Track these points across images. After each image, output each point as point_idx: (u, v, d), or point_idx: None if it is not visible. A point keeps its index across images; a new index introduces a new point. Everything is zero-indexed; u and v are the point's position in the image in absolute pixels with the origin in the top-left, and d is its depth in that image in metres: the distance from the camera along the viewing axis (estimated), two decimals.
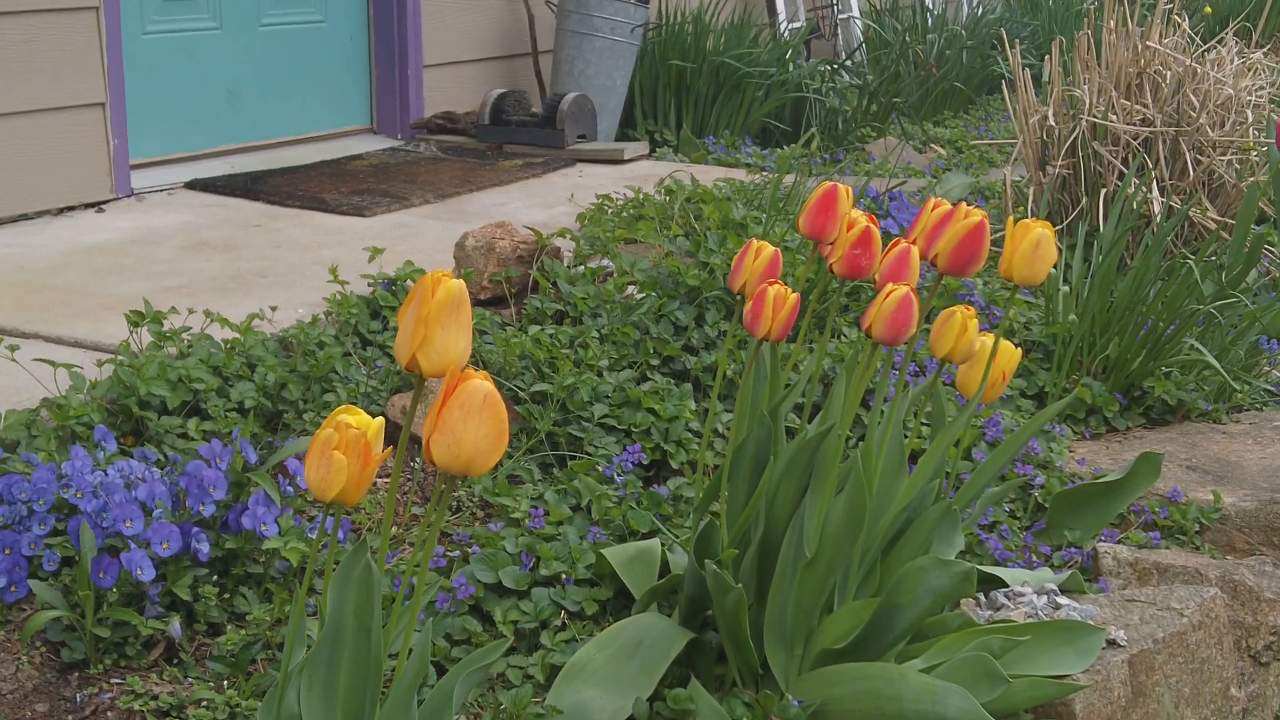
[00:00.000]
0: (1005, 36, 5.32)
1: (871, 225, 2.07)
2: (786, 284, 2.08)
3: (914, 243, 2.10)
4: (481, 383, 1.46)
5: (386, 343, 3.01)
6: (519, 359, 2.86)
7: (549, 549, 2.32)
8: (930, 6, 7.79)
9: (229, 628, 2.14)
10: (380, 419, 1.53)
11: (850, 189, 2.17)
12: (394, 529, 2.51)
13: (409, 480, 2.66)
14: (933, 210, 2.13)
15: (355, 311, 3.05)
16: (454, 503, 2.56)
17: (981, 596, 2.38)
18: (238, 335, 2.83)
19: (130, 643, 2.08)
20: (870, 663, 2.10)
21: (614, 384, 2.84)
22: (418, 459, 2.70)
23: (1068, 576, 2.48)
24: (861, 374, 2.10)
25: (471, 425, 1.47)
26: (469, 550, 2.34)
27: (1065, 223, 4.25)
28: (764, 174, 4.71)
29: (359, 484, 1.51)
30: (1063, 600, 2.37)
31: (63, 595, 2.08)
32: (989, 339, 2.25)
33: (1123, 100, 4.22)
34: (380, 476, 2.72)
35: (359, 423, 1.51)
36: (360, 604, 1.62)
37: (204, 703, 1.99)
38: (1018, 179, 4.60)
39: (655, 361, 3.01)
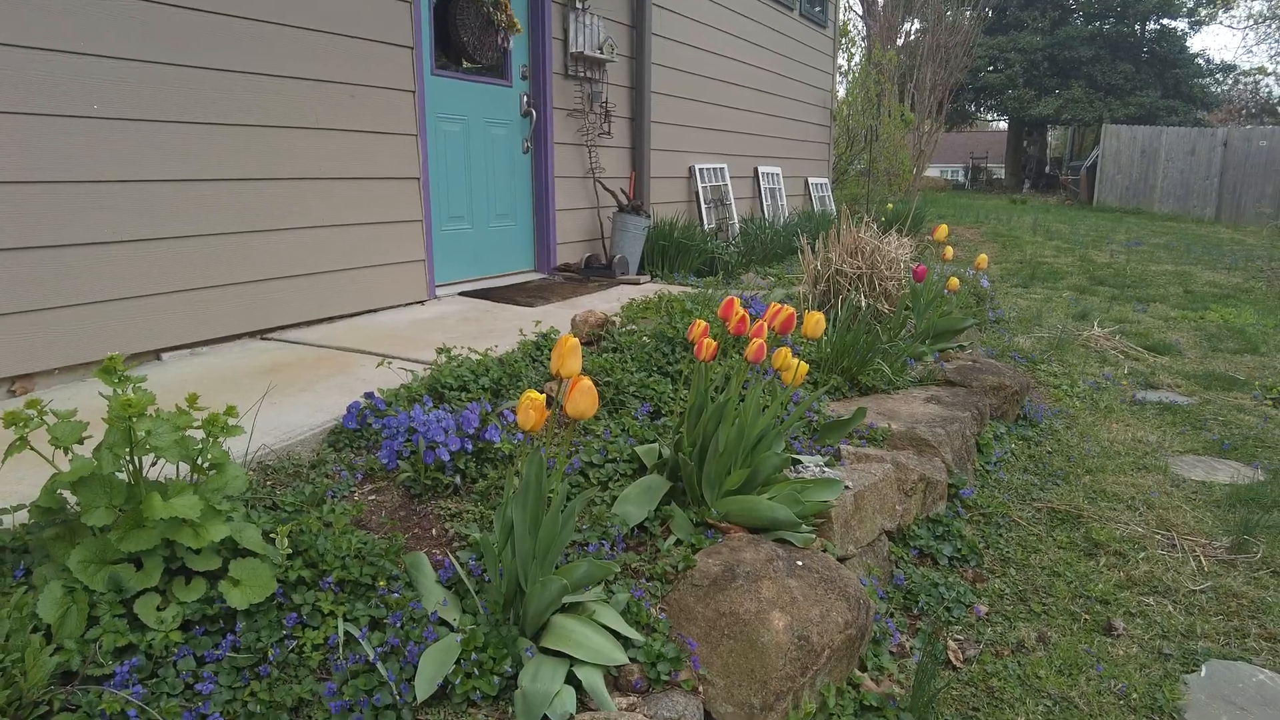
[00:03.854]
0: (799, 231, 5.30)
1: (745, 314, 2.09)
2: (712, 338, 2.08)
3: (767, 322, 2.11)
4: (586, 380, 1.48)
5: (544, 360, 3.01)
6: (599, 368, 2.87)
7: (613, 446, 2.32)
8: (766, 215, 7.75)
9: (479, 481, 2.15)
10: (543, 395, 1.54)
11: (737, 297, 2.18)
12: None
13: (558, 421, 2.65)
14: (773, 309, 2.14)
15: (530, 348, 3.06)
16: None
17: (792, 468, 2.39)
18: (481, 357, 2.84)
19: (440, 487, 2.10)
20: (746, 495, 2.10)
21: (639, 378, 2.85)
22: (560, 411, 2.69)
23: (828, 459, 2.48)
24: (740, 376, 2.11)
25: (583, 398, 1.49)
26: (577, 450, 2.35)
27: (825, 309, 4.24)
28: (699, 289, 4.71)
29: (539, 423, 1.53)
30: (827, 470, 2.37)
31: (410, 466, 2.10)
32: (794, 360, 2.26)
33: (847, 257, 4.23)
34: None
35: (537, 396, 1.52)
36: (537, 472, 1.64)
37: (469, 513, 2.00)
38: (804, 290, 4.60)
39: (656, 368, 3.01)
